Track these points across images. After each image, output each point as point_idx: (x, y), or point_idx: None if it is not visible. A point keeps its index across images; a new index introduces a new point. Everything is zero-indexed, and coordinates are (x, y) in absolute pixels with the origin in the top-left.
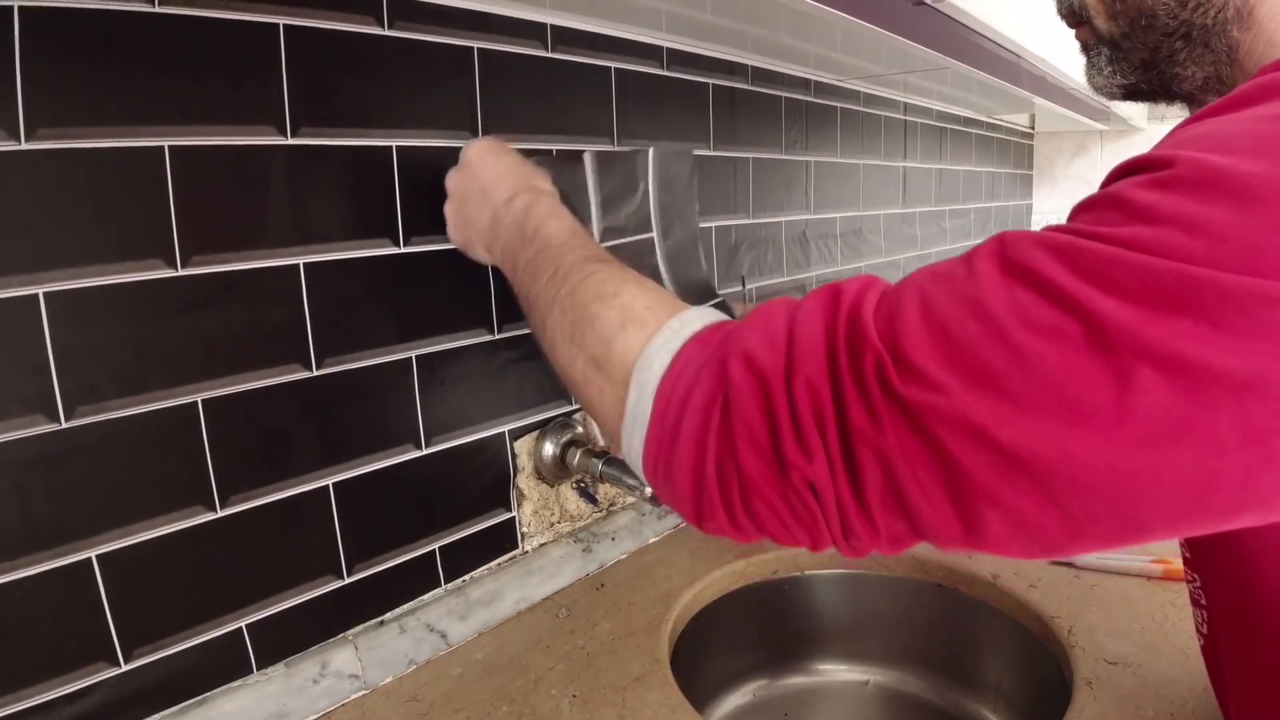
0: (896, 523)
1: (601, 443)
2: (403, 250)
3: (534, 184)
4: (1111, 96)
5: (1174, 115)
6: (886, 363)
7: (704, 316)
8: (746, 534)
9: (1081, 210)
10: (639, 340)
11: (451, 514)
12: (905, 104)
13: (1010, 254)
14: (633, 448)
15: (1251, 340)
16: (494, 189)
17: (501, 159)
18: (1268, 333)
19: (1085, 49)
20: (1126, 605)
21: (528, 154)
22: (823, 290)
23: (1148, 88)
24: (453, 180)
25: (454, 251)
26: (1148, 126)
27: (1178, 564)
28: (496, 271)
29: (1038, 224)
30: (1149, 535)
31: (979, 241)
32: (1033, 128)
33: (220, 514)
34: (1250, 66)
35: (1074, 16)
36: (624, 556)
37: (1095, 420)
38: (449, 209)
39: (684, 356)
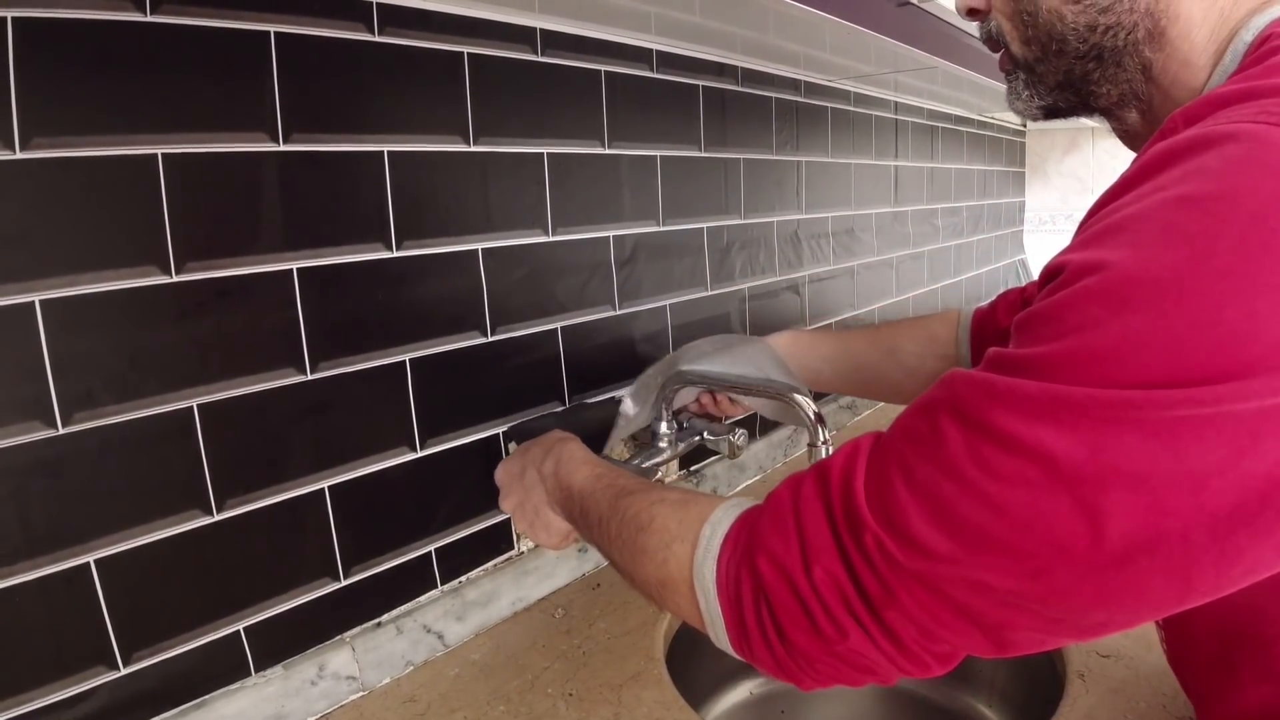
0: (939, 651)
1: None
2: (395, 254)
3: (548, 451)
4: (1033, 118)
5: None
6: (886, 540)
7: (728, 515)
8: (836, 684)
9: (1022, 329)
10: (685, 555)
11: (447, 515)
12: (896, 103)
13: (965, 408)
14: (721, 642)
15: (1192, 441)
16: (529, 470)
17: (513, 461)
18: (1206, 432)
19: (1006, 74)
20: None
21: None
22: (814, 470)
23: (1065, 105)
24: (508, 505)
25: (445, 254)
26: None
27: None
28: (489, 274)
29: (1030, 221)
30: (1153, 620)
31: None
32: (1024, 125)
33: (217, 518)
34: (1166, 83)
35: (994, 42)
36: None
37: (1073, 550)
38: (515, 517)
39: (724, 560)
